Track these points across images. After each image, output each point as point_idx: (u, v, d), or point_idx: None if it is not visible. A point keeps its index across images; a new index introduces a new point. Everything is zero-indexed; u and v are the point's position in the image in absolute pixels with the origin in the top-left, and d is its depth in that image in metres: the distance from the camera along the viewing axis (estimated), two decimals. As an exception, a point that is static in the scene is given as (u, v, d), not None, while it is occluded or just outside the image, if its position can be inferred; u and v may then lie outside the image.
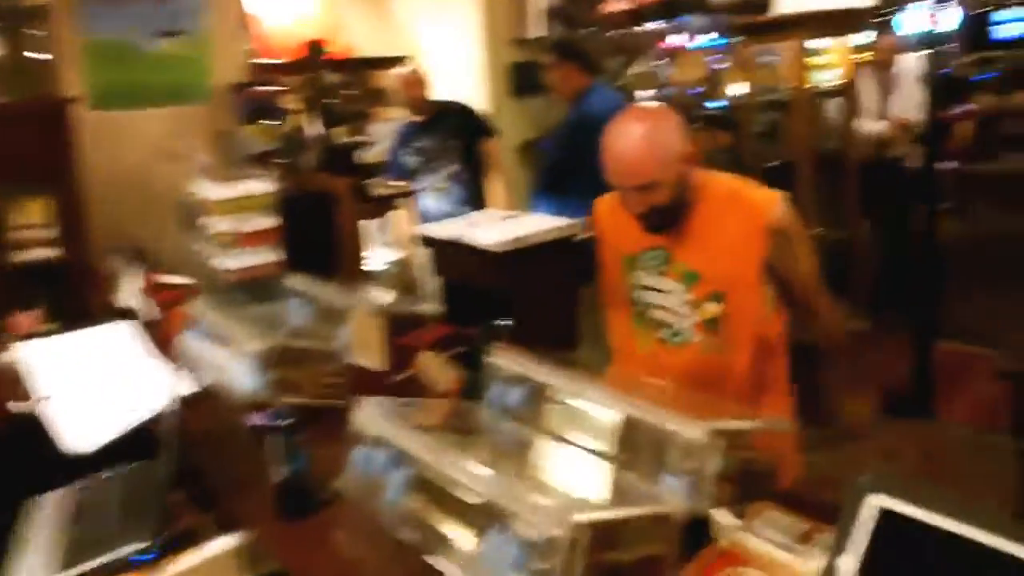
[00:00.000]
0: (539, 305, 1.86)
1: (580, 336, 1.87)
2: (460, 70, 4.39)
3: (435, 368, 1.69)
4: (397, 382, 1.77)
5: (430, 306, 2.04)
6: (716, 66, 3.99)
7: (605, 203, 1.84)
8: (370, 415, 1.40)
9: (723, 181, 1.69)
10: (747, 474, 1.29)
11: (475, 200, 3.78)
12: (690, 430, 1.21)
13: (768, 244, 1.61)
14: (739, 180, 1.72)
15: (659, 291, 1.72)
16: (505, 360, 1.57)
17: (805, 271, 1.69)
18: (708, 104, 4.14)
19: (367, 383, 1.75)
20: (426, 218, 3.90)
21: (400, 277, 3.85)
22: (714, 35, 4.09)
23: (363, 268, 3.10)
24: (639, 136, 1.57)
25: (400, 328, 1.98)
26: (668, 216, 1.64)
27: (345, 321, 1.89)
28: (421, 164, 3.90)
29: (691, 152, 1.61)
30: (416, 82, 3.87)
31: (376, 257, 3.94)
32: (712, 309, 1.66)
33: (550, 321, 1.86)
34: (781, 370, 1.73)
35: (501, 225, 1.96)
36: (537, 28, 4.47)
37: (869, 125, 4.22)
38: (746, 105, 3.82)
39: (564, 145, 3.26)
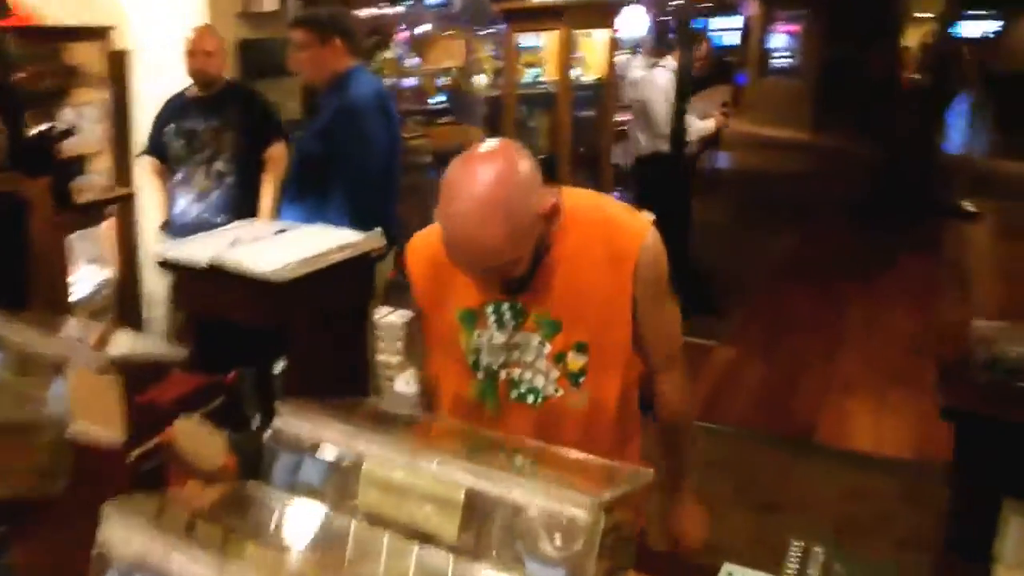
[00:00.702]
0: (323, 343, 1.53)
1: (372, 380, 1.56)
2: (175, 46, 3.79)
3: (196, 437, 1.31)
4: (141, 458, 1.35)
5: (168, 348, 1.61)
6: (472, 55, 3.83)
7: (421, 245, 1.50)
8: (120, 524, 1.01)
9: (586, 208, 1.43)
10: (617, 543, 1.11)
11: (239, 212, 3.15)
12: (567, 505, 0.99)
13: (635, 280, 1.39)
14: (603, 202, 1.48)
15: (513, 347, 1.45)
16: (293, 420, 1.24)
17: (667, 320, 1.49)
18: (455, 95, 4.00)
19: (99, 464, 1.32)
20: (173, 226, 3.28)
21: (121, 309, 3.21)
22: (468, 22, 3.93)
23: (69, 297, 2.49)
24: (486, 211, 1.22)
25: (132, 380, 1.54)
26: (526, 279, 1.37)
27: (57, 374, 1.43)
28: (184, 151, 3.26)
29: (550, 206, 1.30)
30: (207, 49, 3.24)
31: (85, 281, 3.24)
32: (576, 362, 1.43)
33: (336, 362, 1.54)
34: (636, 419, 1.57)
35: (274, 242, 1.58)
36: (268, 2, 4.00)
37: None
38: (506, 96, 3.70)
39: (325, 138, 2.83)
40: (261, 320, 1.46)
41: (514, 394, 1.47)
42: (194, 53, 3.27)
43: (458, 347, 1.48)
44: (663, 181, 4.20)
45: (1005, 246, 6.57)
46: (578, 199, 1.43)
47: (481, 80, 4.02)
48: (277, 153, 3.33)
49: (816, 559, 1.23)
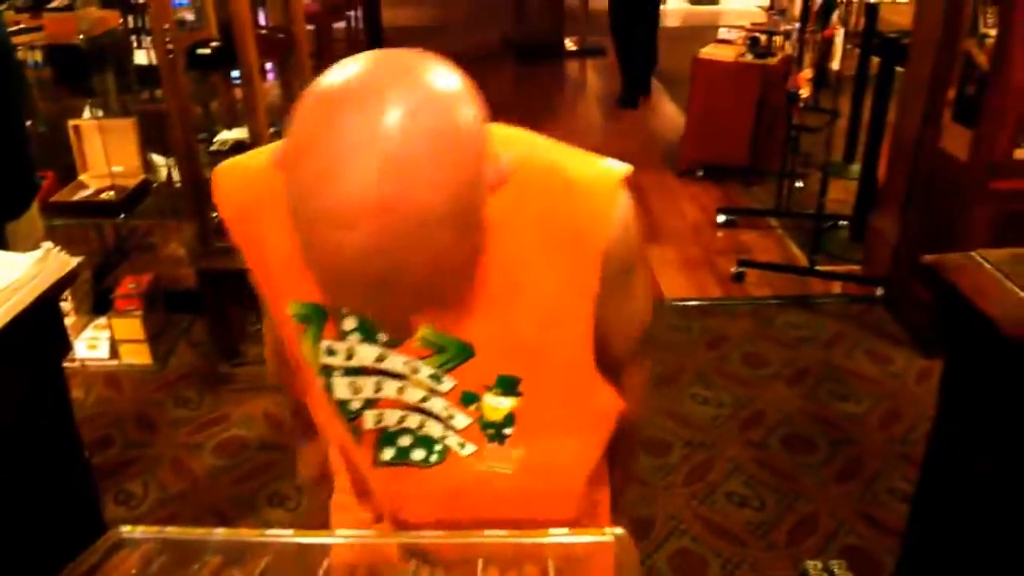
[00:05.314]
0: None
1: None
2: None
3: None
4: None
5: None
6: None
7: (239, 172, 0.94)
8: None
9: (529, 162, 0.84)
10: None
11: None
12: None
13: (604, 266, 0.87)
14: (552, 152, 0.89)
15: (385, 375, 0.94)
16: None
17: (638, 302, 1.00)
18: None
19: None
20: None
21: None
22: None
23: None
24: (420, 183, 0.64)
25: None
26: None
27: None
28: None
29: (502, 171, 0.73)
30: None
31: None
32: (498, 408, 0.94)
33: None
34: (603, 467, 1.12)
35: None
36: None
37: None
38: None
39: None
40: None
41: (388, 454, 0.99)
42: None
43: (301, 356, 0.98)
44: None
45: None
46: (529, 154, 0.87)
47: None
48: None
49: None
